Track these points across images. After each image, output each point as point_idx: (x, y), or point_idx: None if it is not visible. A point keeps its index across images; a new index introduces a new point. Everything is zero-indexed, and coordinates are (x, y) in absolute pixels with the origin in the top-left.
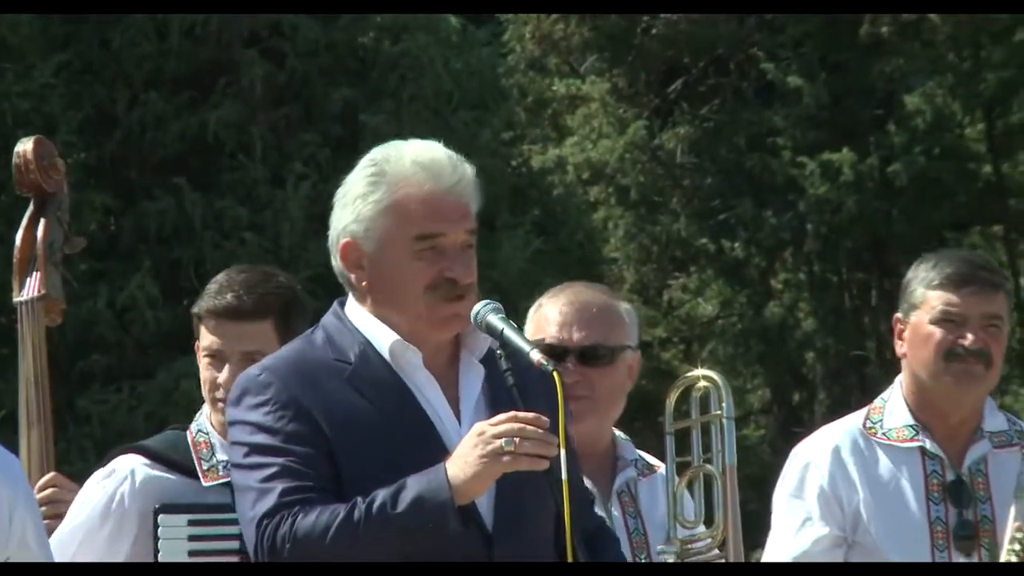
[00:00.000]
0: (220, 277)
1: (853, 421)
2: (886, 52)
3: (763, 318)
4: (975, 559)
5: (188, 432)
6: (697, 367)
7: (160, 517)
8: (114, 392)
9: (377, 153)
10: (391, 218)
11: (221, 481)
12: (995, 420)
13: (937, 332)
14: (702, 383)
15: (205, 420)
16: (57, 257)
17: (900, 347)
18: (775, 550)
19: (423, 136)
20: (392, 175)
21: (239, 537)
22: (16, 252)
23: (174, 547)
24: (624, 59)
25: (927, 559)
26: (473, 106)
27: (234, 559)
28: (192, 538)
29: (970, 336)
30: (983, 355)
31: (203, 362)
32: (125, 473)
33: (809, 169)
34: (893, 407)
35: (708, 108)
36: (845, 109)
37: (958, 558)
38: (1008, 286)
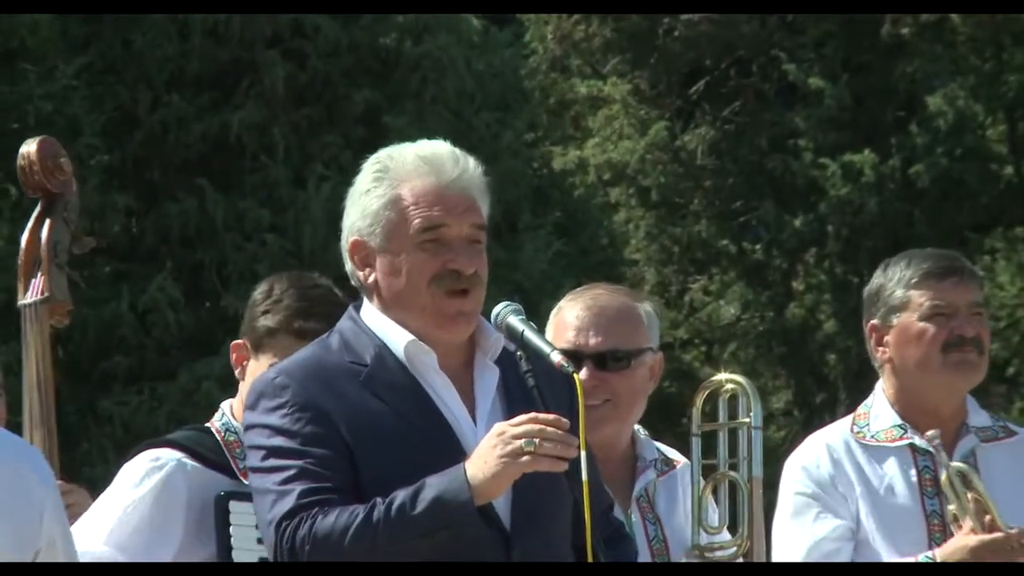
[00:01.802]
0: (291, 291)
1: (841, 426)
2: (908, 53)
3: (784, 320)
4: None
5: (215, 432)
6: (719, 369)
7: (231, 503)
8: (135, 394)
9: (382, 152)
10: (394, 211)
11: None
12: (979, 417)
13: (931, 327)
14: (729, 386)
15: (231, 419)
16: (62, 258)
17: (882, 353)
18: (791, 545)
19: (445, 137)
20: (395, 170)
21: None
22: (21, 255)
23: (245, 534)
24: (646, 60)
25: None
26: (495, 107)
27: None
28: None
29: (965, 326)
30: (978, 343)
31: None
32: (173, 462)
33: (831, 170)
34: (878, 411)
35: (730, 109)
36: (867, 110)
37: None
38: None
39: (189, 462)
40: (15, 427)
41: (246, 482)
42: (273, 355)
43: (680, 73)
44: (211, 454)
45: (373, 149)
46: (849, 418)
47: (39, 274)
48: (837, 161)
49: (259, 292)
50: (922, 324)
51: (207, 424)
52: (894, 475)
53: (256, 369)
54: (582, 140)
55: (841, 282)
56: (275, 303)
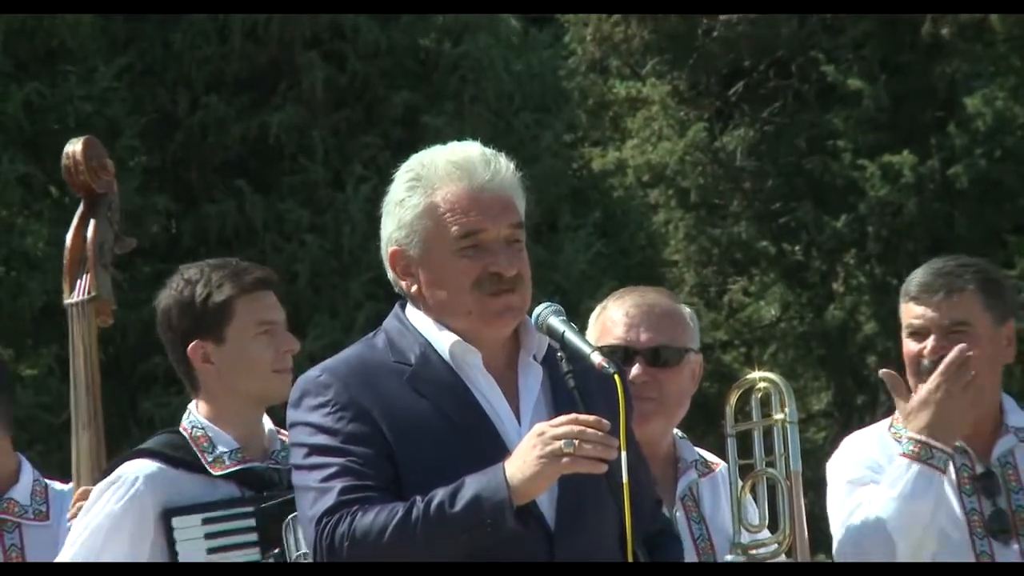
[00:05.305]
0: (215, 267)
1: (878, 427)
2: (947, 54)
3: (824, 321)
4: (1014, 547)
5: (183, 430)
6: (759, 370)
7: (174, 520)
8: (175, 395)
9: (414, 159)
10: (430, 220)
11: (229, 471)
12: (1019, 417)
13: (908, 345)
14: (762, 384)
15: (198, 416)
16: (107, 258)
17: None
18: (850, 516)
19: (485, 138)
20: (427, 177)
21: (255, 529)
22: (66, 254)
23: (192, 547)
24: (685, 61)
25: (968, 550)
26: (534, 108)
27: (254, 550)
28: (209, 536)
29: (929, 346)
30: None
31: (262, 339)
32: (135, 476)
33: (870, 171)
34: None
35: (769, 110)
36: (906, 111)
37: (998, 546)
38: (985, 285)
39: (155, 471)
40: (51, 428)
41: (215, 473)
42: (243, 320)
43: (719, 74)
44: (179, 453)
45: (412, 150)
46: (886, 421)
47: (84, 273)
48: (876, 162)
49: (184, 293)
50: (905, 340)
51: (178, 427)
52: None
53: (226, 354)
54: (621, 141)
55: (881, 283)
56: (207, 283)
